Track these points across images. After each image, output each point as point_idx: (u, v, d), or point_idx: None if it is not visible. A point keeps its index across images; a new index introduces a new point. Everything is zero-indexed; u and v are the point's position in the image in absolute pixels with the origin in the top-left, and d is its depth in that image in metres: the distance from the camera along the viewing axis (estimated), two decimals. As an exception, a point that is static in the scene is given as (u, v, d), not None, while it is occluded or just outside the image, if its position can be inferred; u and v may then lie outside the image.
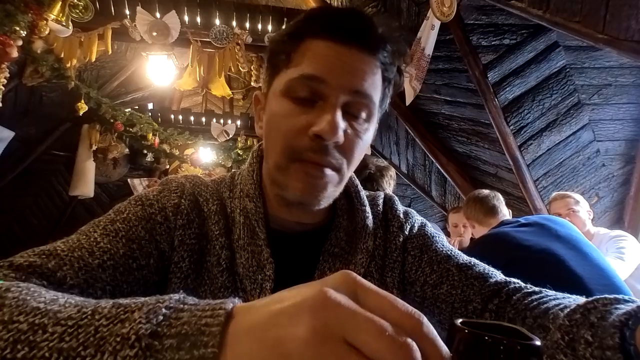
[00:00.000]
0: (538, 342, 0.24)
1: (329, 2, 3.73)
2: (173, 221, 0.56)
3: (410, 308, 0.25)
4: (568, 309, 0.42)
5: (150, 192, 0.59)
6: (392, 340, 0.22)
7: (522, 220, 1.63)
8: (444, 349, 0.24)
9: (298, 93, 0.52)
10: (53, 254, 0.46)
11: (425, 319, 0.25)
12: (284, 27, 0.58)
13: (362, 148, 0.56)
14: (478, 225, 1.95)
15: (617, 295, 0.41)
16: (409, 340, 0.23)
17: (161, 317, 0.27)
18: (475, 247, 1.63)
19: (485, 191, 2.02)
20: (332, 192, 0.55)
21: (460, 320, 0.26)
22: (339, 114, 0.50)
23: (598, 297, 0.42)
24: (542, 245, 1.43)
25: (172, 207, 0.57)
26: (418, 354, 0.22)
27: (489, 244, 1.56)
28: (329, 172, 0.53)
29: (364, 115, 0.54)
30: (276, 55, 0.55)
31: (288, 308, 0.24)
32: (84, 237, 0.50)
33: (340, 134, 0.50)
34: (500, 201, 1.94)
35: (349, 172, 0.57)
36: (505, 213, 1.92)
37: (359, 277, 0.26)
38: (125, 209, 0.55)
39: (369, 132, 0.56)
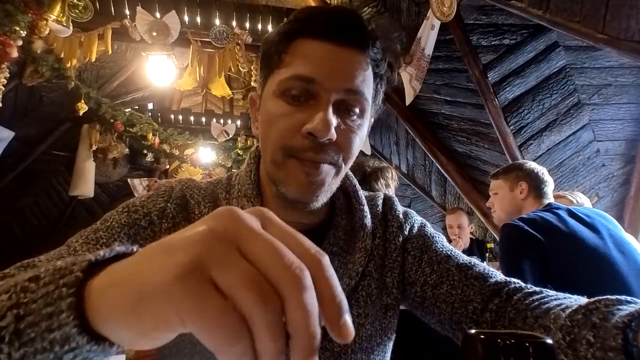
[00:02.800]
0: (550, 341, 0.24)
1: (329, 2, 3.73)
2: (158, 225, 0.57)
3: (313, 246, 0.25)
4: (570, 309, 0.42)
5: (138, 198, 0.60)
6: (286, 258, 0.22)
7: (573, 209, 1.56)
8: (339, 292, 0.23)
9: (291, 92, 0.53)
10: (31, 265, 0.46)
11: (326, 259, 0.24)
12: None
13: (357, 144, 0.56)
14: (530, 197, 1.72)
15: (619, 296, 0.40)
16: (304, 265, 0.23)
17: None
18: (515, 230, 1.51)
19: (546, 173, 1.80)
20: (328, 187, 0.56)
21: (474, 330, 0.26)
22: (330, 112, 0.51)
23: (600, 297, 0.41)
24: (593, 244, 1.41)
25: (157, 211, 0.57)
26: (309, 280, 0.22)
27: (533, 227, 1.47)
28: (325, 167, 0.54)
29: (357, 110, 0.55)
30: (268, 57, 0.56)
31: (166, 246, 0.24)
32: (65, 247, 0.51)
33: (332, 131, 0.51)
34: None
35: (346, 167, 0.57)
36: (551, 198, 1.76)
37: (271, 213, 0.26)
38: (110, 217, 0.56)
39: (363, 128, 0.57)
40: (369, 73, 0.55)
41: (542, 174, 1.74)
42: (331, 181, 0.56)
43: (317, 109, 0.51)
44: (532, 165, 1.79)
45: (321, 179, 0.54)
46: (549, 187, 1.73)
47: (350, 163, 0.58)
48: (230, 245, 0.23)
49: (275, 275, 0.22)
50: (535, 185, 1.72)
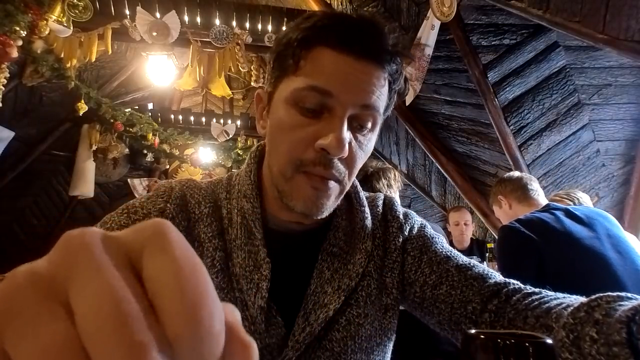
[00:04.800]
0: (550, 341, 0.24)
1: (329, 2, 3.73)
2: None
3: (196, 298, 0.15)
4: (571, 308, 0.42)
5: (137, 199, 0.60)
6: (113, 320, 0.14)
7: (571, 209, 1.58)
8: None
9: (305, 103, 0.51)
10: None
11: (204, 325, 0.15)
12: (290, 28, 0.56)
13: (364, 158, 0.56)
14: (515, 204, 1.81)
15: (619, 293, 0.41)
16: (147, 336, 0.14)
17: None
18: (511, 230, 1.55)
19: (517, 173, 1.93)
20: (333, 202, 0.56)
21: (474, 330, 0.26)
22: (345, 129, 0.51)
23: (601, 294, 0.41)
24: (588, 243, 1.42)
25: (156, 212, 0.57)
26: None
27: (528, 228, 1.50)
28: (332, 184, 0.54)
29: (368, 125, 0.55)
30: (284, 59, 0.54)
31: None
32: None
33: (346, 149, 0.51)
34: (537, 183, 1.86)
35: (350, 183, 0.57)
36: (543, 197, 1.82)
37: (171, 229, 0.17)
38: (110, 219, 0.56)
39: (371, 142, 0.57)
40: (386, 88, 0.54)
41: (514, 180, 1.83)
42: (335, 199, 0.56)
43: (331, 123, 0.51)
44: (504, 177, 1.92)
45: (327, 194, 0.54)
46: (530, 187, 1.79)
47: (354, 177, 0.58)
48: (47, 296, 0.15)
49: (96, 352, 0.14)
50: (511, 193, 1.81)
